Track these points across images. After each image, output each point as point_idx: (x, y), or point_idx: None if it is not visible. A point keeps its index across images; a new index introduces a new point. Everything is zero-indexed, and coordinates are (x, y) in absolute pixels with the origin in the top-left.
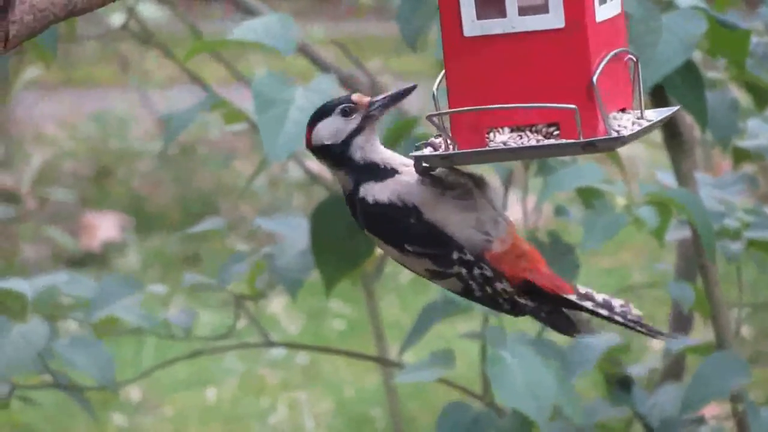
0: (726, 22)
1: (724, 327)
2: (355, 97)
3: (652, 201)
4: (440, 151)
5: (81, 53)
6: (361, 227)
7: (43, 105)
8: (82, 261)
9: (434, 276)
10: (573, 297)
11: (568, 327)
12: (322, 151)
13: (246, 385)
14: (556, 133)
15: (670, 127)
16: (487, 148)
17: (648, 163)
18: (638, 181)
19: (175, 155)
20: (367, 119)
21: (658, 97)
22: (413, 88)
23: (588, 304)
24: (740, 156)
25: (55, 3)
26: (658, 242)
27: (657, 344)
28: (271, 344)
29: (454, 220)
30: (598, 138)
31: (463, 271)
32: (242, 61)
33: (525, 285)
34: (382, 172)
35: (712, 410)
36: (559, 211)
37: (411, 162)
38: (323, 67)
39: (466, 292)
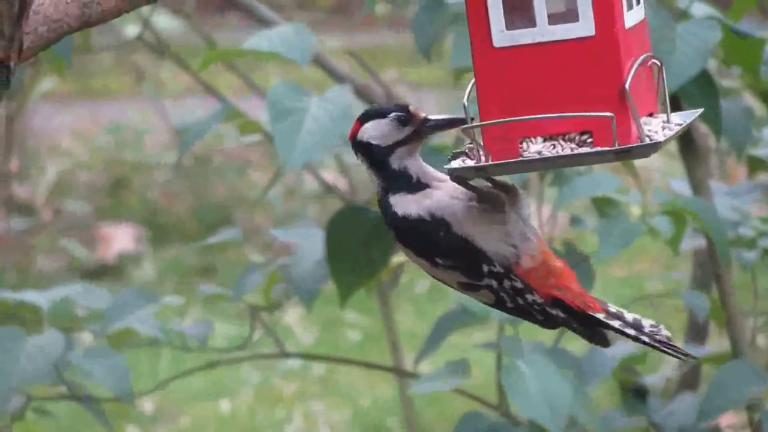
0: (740, 30)
1: (739, 336)
2: (412, 108)
3: (667, 210)
4: (474, 162)
5: (96, 64)
6: (390, 235)
7: (58, 116)
8: (98, 272)
9: (466, 288)
10: (601, 316)
11: (601, 339)
12: (362, 148)
13: (262, 395)
14: (589, 140)
15: (684, 136)
16: (522, 158)
17: (663, 172)
18: (653, 190)
19: (191, 166)
20: (417, 134)
21: (673, 106)
22: (465, 119)
23: (616, 324)
24: (755, 165)
25: (69, 14)
26: (672, 251)
27: None
28: (286, 355)
29: (483, 234)
30: (634, 145)
31: (494, 283)
32: (257, 71)
33: (555, 301)
34: (414, 186)
35: (728, 419)
36: (575, 220)
37: (445, 177)
38: (338, 77)
39: (499, 304)
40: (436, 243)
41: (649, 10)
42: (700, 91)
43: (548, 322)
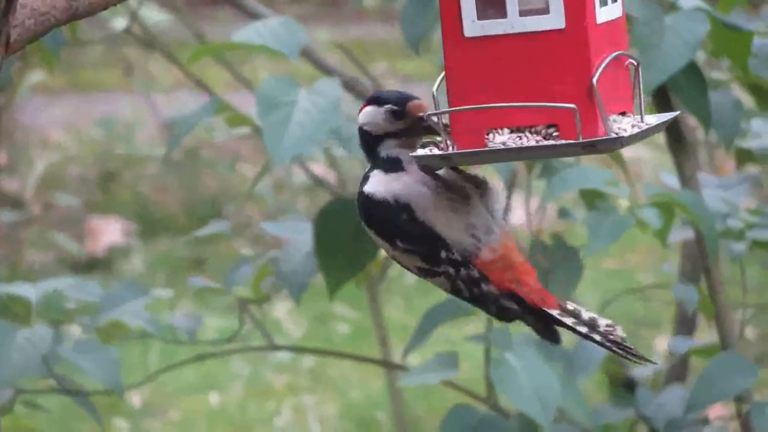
0: (729, 23)
1: (728, 328)
2: (412, 104)
3: (656, 202)
4: (440, 151)
5: (86, 58)
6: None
7: (47, 110)
8: (88, 266)
9: (424, 273)
10: (555, 312)
11: (552, 336)
12: (359, 130)
13: (251, 389)
14: (555, 134)
15: (673, 129)
16: (486, 148)
17: (652, 165)
18: (642, 183)
19: (181, 160)
20: (410, 130)
21: (661, 98)
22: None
23: (568, 321)
24: (744, 157)
25: (56, 6)
26: (661, 244)
27: (661, 346)
28: (277, 348)
29: (445, 221)
30: (598, 139)
31: (451, 270)
32: (246, 65)
33: (510, 295)
34: (391, 167)
35: (716, 411)
36: (563, 213)
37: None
38: (328, 70)
39: (455, 292)
40: (397, 226)
41: (638, 2)
42: (688, 83)
43: (502, 314)
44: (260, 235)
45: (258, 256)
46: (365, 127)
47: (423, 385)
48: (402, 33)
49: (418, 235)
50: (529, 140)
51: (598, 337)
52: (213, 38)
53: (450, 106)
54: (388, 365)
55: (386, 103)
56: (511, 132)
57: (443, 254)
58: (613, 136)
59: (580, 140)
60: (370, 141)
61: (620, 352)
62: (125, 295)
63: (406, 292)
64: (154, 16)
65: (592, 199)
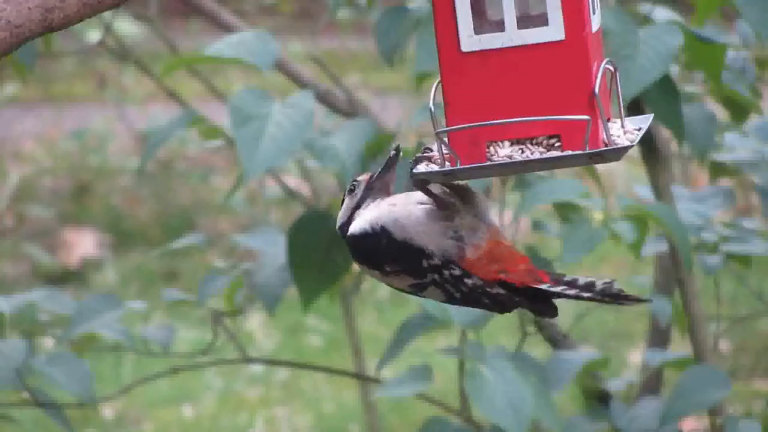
0: (702, 36)
1: (702, 341)
2: (361, 176)
3: (629, 215)
4: (439, 166)
5: (59, 70)
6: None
7: (20, 122)
8: (61, 278)
9: (417, 289)
10: (545, 286)
11: (548, 310)
12: (341, 232)
13: (225, 401)
14: (557, 144)
15: (647, 141)
16: (492, 162)
17: (626, 177)
18: (616, 195)
19: (154, 172)
20: (367, 191)
21: (635, 110)
22: (399, 151)
23: (558, 289)
24: (718, 170)
25: (31, 19)
26: (634, 256)
27: (635, 358)
28: (250, 360)
29: (422, 232)
30: (606, 148)
31: (436, 276)
32: (220, 77)
33: (499, 283)
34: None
35: (690, 424)
36: (537, 225)
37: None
38: (301, 83)
39: (449, 298)
40: (380, 252)
41: (612, 15)
42: (662, 96)
43: (499, 307)
44: (233, 247)
45: (231, 268)
46: (340, 222)
47: (397, 397)
48: (376, 46)
49: (401, 254)
50: (533, 152)
51: (587, 295)
52: (186, 50)
53: (448, 121)
54: (361, 378)
55: (344, 195)
56: (512, 144)
57: (425, 263)
58: (617, 144)
59: (587, 150)
60: (344, 227)
61: (613, 301)
62: (98, 307)
63: (379, 304)
64: (128, 29)
65: (566, 211)
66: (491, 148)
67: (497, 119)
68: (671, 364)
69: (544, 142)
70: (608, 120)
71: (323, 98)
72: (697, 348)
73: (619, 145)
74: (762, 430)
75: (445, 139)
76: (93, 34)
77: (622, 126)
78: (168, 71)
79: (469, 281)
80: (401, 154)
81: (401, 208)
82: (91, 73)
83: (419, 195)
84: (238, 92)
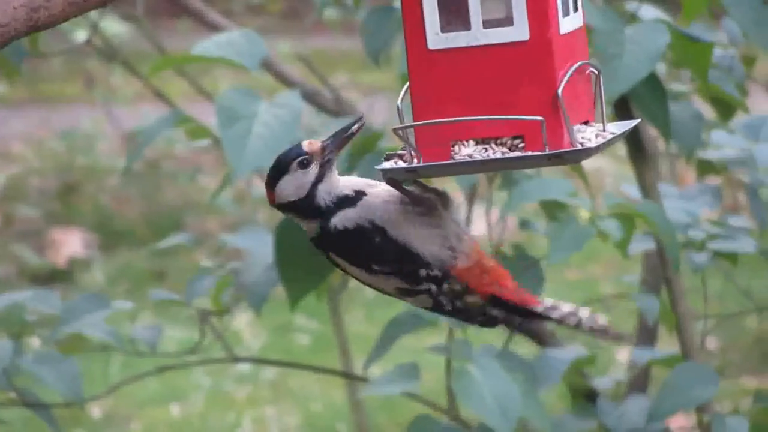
0: (689, 34)
1: (689, 339)
2: (306, 146)
3: (616, 213)
4: (405, 164)
5: (47, 70)
6: (324, 254)
7: (8, 122)
8: (49, 278)
9: (404, 294)
10: (539, 309)
11: (540, 335)
12: (288, 207)
13: (212, 400)
14: (521, 145)
15: (634, 140)
16: (453, 160)
17: (613, 175)
18: (603, 193)
19: (141, 171)
20: (325, 165)
21: (622, 108)
22: (361, 120)
23: (554, 314)
24: (705, 168)
25: (17, 18)
26: (622, 254)
27: (623, 356)
28: (238, 359)
29: (419, 237)
30: (565, 150)
31: (432, 287)
32: (207, 76)
33: (492, 299)
34: (353, 199)
35: (678, 422)
36: (524, 224)
37: (375, 182)
38: (289, 82)
39: (436, 307)
40: (371, 250)
41: (599, 13)
42: (649, 94)
43: (488, 322)
44: (221, 246)
45: (219, 267)
46: (292, 198)
47: (384, 396)
48: (363, 45)
49: (394, 255)
50: (495, 152)
51: (584, 327)
52: (174, 50)
53: (414, 118)
54: (349, 376)
55: (287, 166)
56: (477, 143)
57: (422, 272)
58: (579, 146)
59: (547, 152)
60: (304, 207)
61: (607, 337)
62: (86, 307)
63: (366, 303)
64: (115, 28)
65: (553, 210)
66: (456, 146)
67: (462, 118)
68: (659, 362)
69: (509, 142)
70: (587, 123)
71: (310, 98)
72: (685, 346)
73: (579, 148)
74: (750, 427)
75: (411, 137)
76: (80, 34)
77: (604, 129)
78: (156, 71)
79: (470, 299)
80: (362, 126)
81: (396, 207)
82: (79, 74)
83: (407, 197)
84: (225, 92)
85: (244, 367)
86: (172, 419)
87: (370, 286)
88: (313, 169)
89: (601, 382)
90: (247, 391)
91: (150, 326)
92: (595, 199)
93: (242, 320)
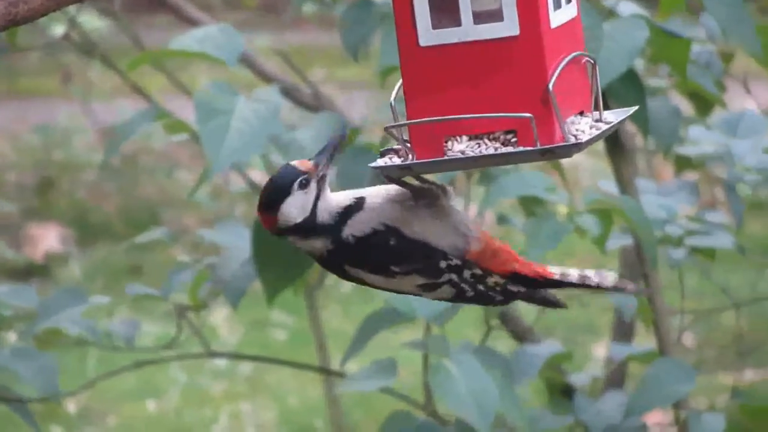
0: (668, 30)
1: (666, 334)
2: (302, 166)
3: (594, 209)
4: (399, 161)
5: (24, 64)
6: (337, 270)
7: None
8: (26, 272)
9: (426, 289)
10: (556, 276)
11: (556, 303)
12: (292, 230)
13: (189, 395)
14: (514, 140)
15: (611, 135)
16: (446, 157)
17: (591, 171)
18: (581, 189)
19: (119, 166)
20: (320, 182)
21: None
22: (344, 135)
23: (571, 279)
24: (682, 164)
25: None
26: (599, 250)
27: (599, 352)
28: (215, 354)
29: (433, 230)
30: (556, 145)
31: (454, 276)
32: (185, 71)
33: (512, 276)
34: (358, 205)
35: (655, 417)
36: (502, 219)
37: (363, 189)
38: (267, 77)
39: (458, 296)
40: (388, 252)
41: None
42: (627, 89)
43: (507, 300)
44: (198, 241)
45: (196, 262)
46: (298, 220)
47: (361, 391)
48: (341, 40)
49: (411, 253)
50: (488, 147)
51: (595, 285)
52: (151, 44)
53: (407, 116)
54: (326, 372)
55: (289, 188)
56: (470, 139)
57: (442, 264)
58: (572, 140)
59: (538, 147)
60: (307, 227)
61: (620, 289)
62: (63, 301)
63: (343, 298)
64: (93, 23)
65: (531, 205)
66: (449, 142)
67: (455, 114)
68: (636, 358)
69: (502, 137)
70: (582, 113)
71: (289, 93)
72: (662, 342)
73: (570, 143)
74: (726, 423)
75: (404, 134)
76: (58, 29)
77: (600, 119)
78: (134, 66)
79: (490, 280)
80: (346, 137)
81: (403, 205)
82: (57, 68)
83: (404, 191)
84: (203, 87)
85: (220, 363)
86: (149, 414)
87: (387, 290)
88: (313, 188)
89: (578, 378)
90: (224, 386)
91: (127, 321)
92: (573, 195)
93: (219, 315)
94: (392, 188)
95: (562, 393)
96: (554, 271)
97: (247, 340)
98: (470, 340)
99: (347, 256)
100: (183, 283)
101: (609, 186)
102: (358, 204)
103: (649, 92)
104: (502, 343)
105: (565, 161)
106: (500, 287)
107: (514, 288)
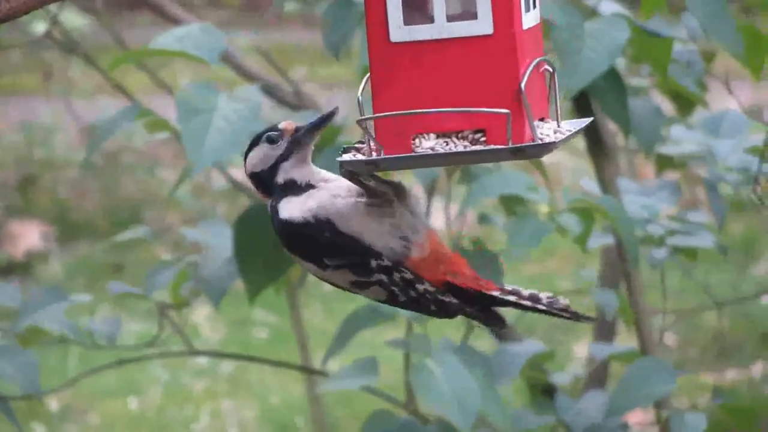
0: (649, 29)
1: (647, 334)
2: (282, 124)
3: (575, 208)
4: (365, 156)
5: (5, 62)
6: (282, 246)
7: None
8: (7, 270)
9: (357, 286)
10: (497, 293)
11: (497, 322)
12: (254, 179)
13: (170, 393)
14: (482, 139)
15: (592, 135)
16: (414, 153)
17: (572, 170)
18: (562, 188)
19: (100, 164)
20: (293, 144)
21: (582, 103)
22: (335, 111)
23: (512, 298)
24: (664, 163)
25: None
26: (581, 249)
27: (581, 352)
28: (197, 353)
29: (370, 229)
30: (528, 144)
31: (384, 277)
32: (166, 69)
33: (447, 287)
34: (297, 188)
35: (636, 417)
36: (483, 218)
37: (332, 177)
38: (248, 75)
39: (391, 299)
40: (321, 244)
41: (558, 7)
42: (608, 89)
43: (442, 312)
44: (180, 239)
45: (177, 260)
46: (257, 169)
47: (343, 390)
48: (322, 38)
49: (344, 249)
50: (457, 145)
51: (544, 308)
52: (133, 42)
53: (375, 111)
54: (307, 371)
55: (259, 139)
56: (438, 137)
57: (373, 263)
58: (546, 140)
59: (510, 145)
60: (264, 178)
61: (569, 316)
62: (44, 299)
63: (325, 297)
64: (75, 21)
65: (512, 204)
66: (417, 140)
67: (425, 110)
68: (617, 357)
69: (470, 136)
70: (543, 120)
71: (270, 91)
72: (643, 341)
73: (541, 142)
74: (707, 422)
75: (371, 130)
76: (39, 26)
77: (558, 127)
78: (116, 66)
79: (420, 286)
80: (336, 114)
81: (346, 200)
82: (38, 66)
83: (356, 187)
84: (184, 85)
85: (202, 361)
86: (130, 412)
87: (323, 279)
88: (281, 146)
89: (560, 377)
90: (205, 384)
91: (109, 319)
92: (554, 194)
93: (201, 314)
94: (346, 183)
95: (543, 392)
96: (505, 288)
97: (228, 339)
98: (451, 338)
99: (279, 236)
100: (165, 281)
101: (590, 185)
102: (304, 188)
103: (630, 92)
104: (484, 343)
105: (545, 160)
106: (431, 295)
107: (446, 298)
